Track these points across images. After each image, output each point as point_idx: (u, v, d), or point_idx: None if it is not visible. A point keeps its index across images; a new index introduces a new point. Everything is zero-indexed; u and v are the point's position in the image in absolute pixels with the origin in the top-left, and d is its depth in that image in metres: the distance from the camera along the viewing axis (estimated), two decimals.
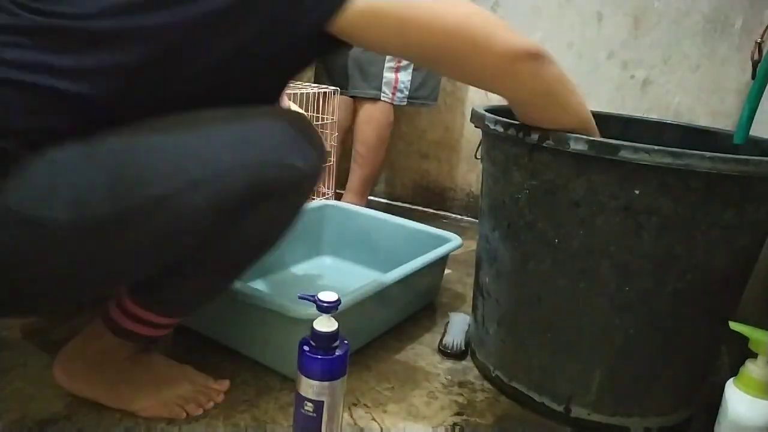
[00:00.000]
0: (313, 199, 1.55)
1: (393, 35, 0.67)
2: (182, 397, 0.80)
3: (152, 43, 0.62)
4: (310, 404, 0.68)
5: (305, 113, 1.44)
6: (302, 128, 0.71)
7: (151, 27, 0.61)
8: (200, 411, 0.80)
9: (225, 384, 0.85)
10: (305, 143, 0.70)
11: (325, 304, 0.68)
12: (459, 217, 1.95)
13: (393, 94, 1.62)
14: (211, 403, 0.82)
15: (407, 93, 1.63)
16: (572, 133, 0.73)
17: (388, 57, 1.58)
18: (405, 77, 1.61)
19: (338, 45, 0.69)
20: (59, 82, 0.59)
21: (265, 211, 0.69)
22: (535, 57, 0.68)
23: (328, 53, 0.74)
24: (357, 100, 1.67)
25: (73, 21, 0.59)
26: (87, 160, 0.60)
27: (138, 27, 0.61)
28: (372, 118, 1.63)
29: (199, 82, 0.66)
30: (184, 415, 0.79)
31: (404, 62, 1.60)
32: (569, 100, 0.75)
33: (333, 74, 1.69)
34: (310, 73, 1.84)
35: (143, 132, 0.63)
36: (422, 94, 1.66)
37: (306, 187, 0.72)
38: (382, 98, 1.62)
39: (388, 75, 1.60)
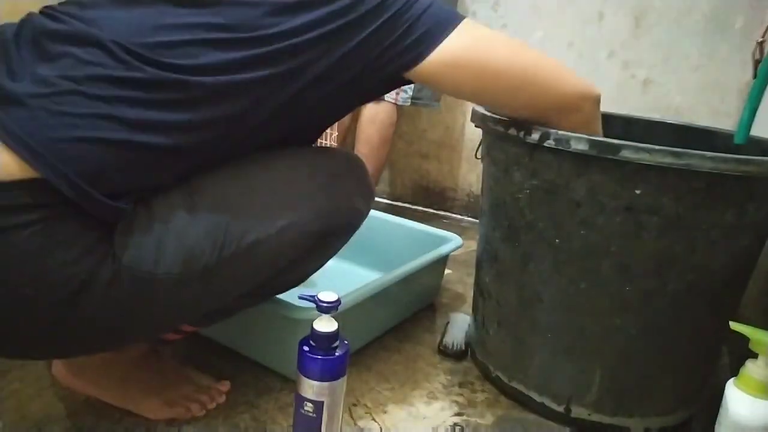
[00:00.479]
0: None
1: (469, 84, 0.72)
2: (186, 398, 0.80)
3: (255, 96, 0.64)
4: (310, 404, 0.68)
5: None
6: (361, 171, 0.80)
7: (256, 81, 0.63)
8: (203, 411, 0.80)
9: (226, 385, 0.84)
10: (364, 186, 0.80)
11: (325, 305, 0.68)
12: (459, 217, 1.95)
13: (397, 94, 1.61)
14: (214, 403, 0.82)
15: (411, 93, 1.63)
16: None
17: None
18: None
19: (406, 83, 0.74)
20: (167, 138, 0.60)
21: (325, 246, 0.76)
22: (597, 100, 0.77)
23: (392, 90, 0.81)
24: None
25: (188, 75, 0.60)
26: (191, 216, 0.63)
27: (246, 81, 0.62)
28: (376, 119, 1.63)
29: (286, 127, 0.71)
30: (189, 415, 0.79)
31: None
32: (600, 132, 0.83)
33: None
34: None
35: (235, 182, 0.67)
36: (425, 94, 1.66)
37: (360, 225, 0.81)
38: (386, 98, 1.62)
39: None
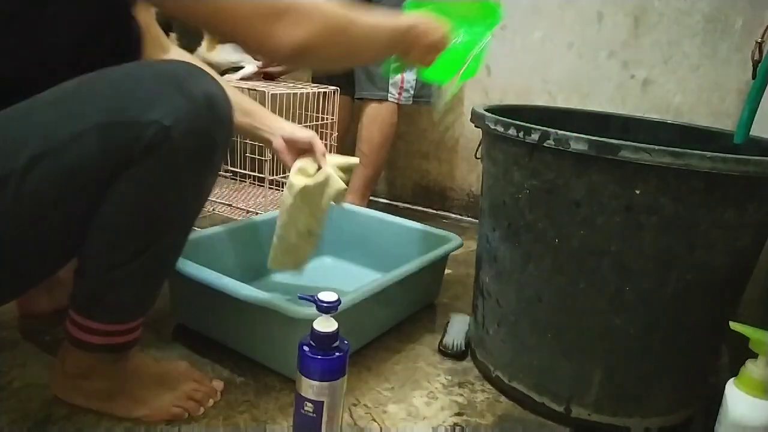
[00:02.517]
0: None
1: None
2: (180, 398, 0.80)
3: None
4: (310, 404, 0.68)
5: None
6: (174, 76, 0.63)
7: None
8: (201, 410, 0.80)
9: (220, 385, 0.84)
10: (175, 92, 0.61)
11: (325, 305, 0.68)
12: (459, 217, 1.95)
13: (399, 94, 1.62)
14: (211, 401, 0.82)
15: (413, 92, 1.63)
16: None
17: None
18: (411, 77, 1.61)
19: None
20: None
21: (141, 180, 0.62)
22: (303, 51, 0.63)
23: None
24: (362, 101, 1.66)
25: None
26: None
27: None
28: (378, 119, 1.63)
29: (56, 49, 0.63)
30: (186, 415, 0.79)
31: None
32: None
33: (332, 75, 1.69)
34: (309, 73, 1.84)
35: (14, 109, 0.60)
36: (426, 92, 1.66)
37: (184, 144, 0.62)
38: (389, 98, 1.62)
39: (395, 75, 1.60)
